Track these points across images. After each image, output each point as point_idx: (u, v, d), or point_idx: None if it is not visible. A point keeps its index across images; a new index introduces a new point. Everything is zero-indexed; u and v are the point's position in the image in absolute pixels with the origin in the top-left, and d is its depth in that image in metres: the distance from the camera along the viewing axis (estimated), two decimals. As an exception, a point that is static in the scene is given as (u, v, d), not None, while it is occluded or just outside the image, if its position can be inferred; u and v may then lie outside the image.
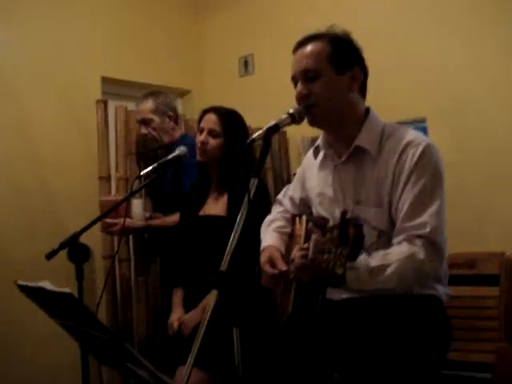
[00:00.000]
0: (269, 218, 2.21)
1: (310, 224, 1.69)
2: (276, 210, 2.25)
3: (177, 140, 3.23)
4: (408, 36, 3.57)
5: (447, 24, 3.41)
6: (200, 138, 2.63)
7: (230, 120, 2.66)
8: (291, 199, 2.21)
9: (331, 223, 1.36)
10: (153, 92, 3.36)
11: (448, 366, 2.69)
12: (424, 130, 3.36)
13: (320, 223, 1.48)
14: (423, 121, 3.44)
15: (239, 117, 2.72)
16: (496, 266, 2.95)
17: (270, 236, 2.08)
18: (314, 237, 1.36)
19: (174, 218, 2.91)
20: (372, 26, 3.59)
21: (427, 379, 1.80)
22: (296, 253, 1.71)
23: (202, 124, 2.67)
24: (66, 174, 3.59)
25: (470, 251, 3.09)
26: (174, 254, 2.86)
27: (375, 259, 1.69)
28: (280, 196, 2.30)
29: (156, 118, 3.23)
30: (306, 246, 1.68)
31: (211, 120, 2.64)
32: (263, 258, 1.91)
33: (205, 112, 2.70)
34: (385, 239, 1.77)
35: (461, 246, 3.02)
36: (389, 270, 1.67)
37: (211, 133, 2.62)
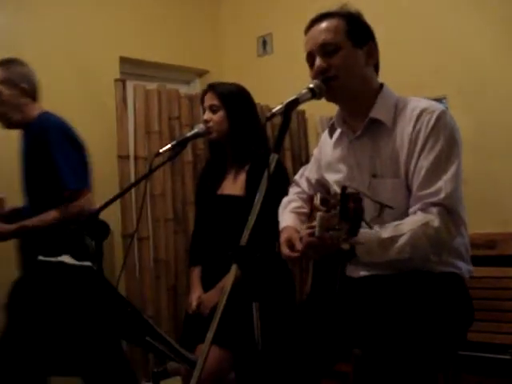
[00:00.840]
0: (286, 199, 2.21)
1: (317, 201, 1.67)
2: (293, 191, 2.25)
3: (34, 119, 2.77)
4: (432, 14, 3.51)
5: (472, 3, 3.35)
6: (204, 117, 2.64)
7: (229, 91, 2.65)
8: (307, 180, 2.21)
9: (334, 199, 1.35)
10: (7, 59, 2.80)
11: (469, 347, 2.70)
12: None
13: (326, 200, 1.46)
14: (444, 99, 3.39)
15: (240, 87, 2.71)
16: (517, 246, 2.92)
17: (287, 217, 2.07)
18: (319, 214, 1.35)
19: (54, 213, 2.56)
20: (394, 4, 3.55)
21: (447, 357, 1.79)
22: (303, 231, 1.70)
23: (204, 104, 2.69)
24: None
25: (491, 231, 3.07)
26: (193, 233, 2.87)
27: (387, 231, 1.68)
28: (297, 177, 2.30)
29: (5, 90, 2.73)
30: (313, 223, 1.68)
31: (209, 97, 2.65)
32: (282, 239, 1.90)
33: (204, 93, 2.72)
34: (388, 214, 1.74)
35: (481, 226, 3.00)
36: (401, 241, 1.66)
37: (211, 108, 2.63)
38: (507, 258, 2.94)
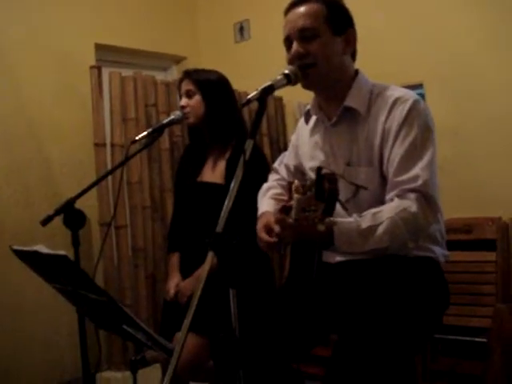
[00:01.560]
0: (265, 185, 2.21)
1: (294, 185, 1.67)
2: (272, 178, 2.25)
3: None
4: (411, 1, 3.52)
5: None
6: (180, 103, 2.64)
7: (203, 77, 2.65)
8: (286, 167, 2.21)
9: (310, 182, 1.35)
10: None
11: (447, 330, 2.74)
12: (421, 96, 3.33)
13: (303, 186, 1.46)
14: (420, 86, 3.41)
15: (216, 73, 2.71)
16: (493, 230, 2.96)
17: (266, 203, 2.07)
18: (295, 196, 1.35)
19: None
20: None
21: (423, 340, 1.81)
22: (278, 213, 1.70)
23: (180, 91, 2.69)
24: (62, 141, 3.58)
25: (467, 216, 3.10)
26: (172, 219, 2.86)
27: (366, 220, 1.68)
28: (276, 164, 2.30)
29: None
30: (290, 204, 1.67)
31: (185, 83, 2.66)
32: (260, 224, 1.90)
33: (180, 80, 2.72)
34: (364, 195, 1.75)
35: (458, 211, 3.04)
36: (380, 230, 1.66)
37: (188, 94, 2.63)
38: (483, 243, 2.97)
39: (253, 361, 1.75)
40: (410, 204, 1.67)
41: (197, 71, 2.68)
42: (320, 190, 1.28)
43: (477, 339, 2.78)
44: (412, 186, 1.69)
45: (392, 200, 1.72)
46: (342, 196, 1.37)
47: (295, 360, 1.92)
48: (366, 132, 1.81)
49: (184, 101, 2.62)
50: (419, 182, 1.69)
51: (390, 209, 1.69)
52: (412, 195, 1.69)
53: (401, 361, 1.72)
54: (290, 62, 1.82)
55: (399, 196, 1.71)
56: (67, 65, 3.67)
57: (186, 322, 1.38)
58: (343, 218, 1.66)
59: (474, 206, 3.22)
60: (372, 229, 1.66)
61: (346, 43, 1.84)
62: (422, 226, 1.71)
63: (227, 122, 2.60)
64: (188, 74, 2.66)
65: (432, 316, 1.83)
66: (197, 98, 2.60)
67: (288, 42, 1.85)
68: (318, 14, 1.79)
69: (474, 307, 2.87)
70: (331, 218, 1.29)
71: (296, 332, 1.85)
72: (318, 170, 1.31)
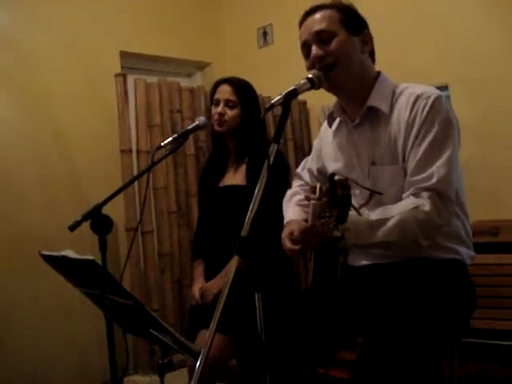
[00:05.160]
0: (289, 192, 2.21)
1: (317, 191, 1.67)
2: (296, 184, 2.25)
3: None
4: (434, 2, 3.50)
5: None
6: (217, 109, 2.63)
7: (245, 90, 2.66)
8: (310, 171, 2.21)
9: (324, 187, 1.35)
10: None
11: (473, 333, 2.70)
12: (447, 98, 3.31)
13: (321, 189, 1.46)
14: (445, 88, 3.38)
15: (252, 87, 2.72)
16: (521, 233, 2.92)
17: (292, 210, 2.07)
18: (311, 202, 1.35)
19: None
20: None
21: (449, 344, 1.79)
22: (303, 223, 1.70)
23: (217, 95, 2.67)
24: (88, 148, 3.63)
25: (494, 219, 3.07)
26: (196, 227, 2.88)
27: (376, 213, 1.68)
28: (299, 169, 2.30)
29: None
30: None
31: (226, 91, 2.64)
32: (285, 232, 1.90)
33: (218, 84, 2.70)
34: (378, 201, 1.73)
35: (484, 213, 3.00)
36: (389, 223, 1.66)
37: (227, 103, 2.63)
38: (510, 245, 2.93)
39: (279, 364, 1.75)
40: (424, 202, 1.67)
41: (239, 82, 2.68)
42: (333, 197, 1.29)
43: (504, 342, 2.74)
44: (426, 184, 1.69)
45: (407, 198, 1.72)
46: (358, 201, 1.36)
47: (321, 364, 1.92)
48: (389, 131, 1.81)
49: (223, 108, 2.62)
50: (433, 180, 1.68)
51: (402, 205, 1.69)
52: (426, 194, 1.68)
53: (428, 365, 1.71)
54: (311, 66, 1.83)
55: (414, 195, 1.71)
56: (93, 72, 3.72)
57: (213, 323, 1.40)
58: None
59: (501, 208, 3.19)
60: (381, 222, 1.66)
61: (363, 43, 1.86)
62: (436, 224, 1.69)
63: (254, 133, 2.61)
64: (232, 83, 2.65)
65: (459, 319, 1.81)
66: (236, 111, 2.61)
67: (305, 48, 1.86)
68: (333, 17, 1.82)
69: (500, 310, 2.84)
70: (346, 225, 1.30)
71: (321, 335, 1.85)
72: (331, 176, 1.31)
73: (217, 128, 2.65)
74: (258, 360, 1.49)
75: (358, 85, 1.87)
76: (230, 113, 2.62)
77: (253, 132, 2.62)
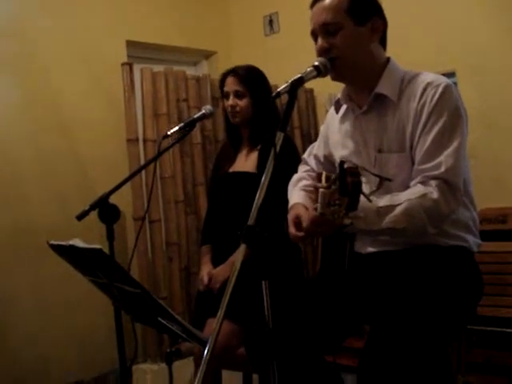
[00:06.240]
0: (295, 177, 2.21)
1: (323, 178, 1.66)
2: (302, 169, 2.25)
3: None
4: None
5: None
6: (229, 102, 2.65)
7: (252, 77, 2.67)
8: (316, 157, 2.21)
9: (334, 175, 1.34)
10: None
11: (480, 321, 2.70)
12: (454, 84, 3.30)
13: (329, 177, 1.45)
14: (453, 75, 3.36)
15: (259, 71, 2.72)
16: (529, 221, 2.91)
17: (297, 194, 2.07)
18: (320, 190, 1.35)
19: None
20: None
21: (456, 331, 1.80)
22: (311, 209, 1.69)
23: (226, 88, 2.69)
24: (94, 138, 3.63)
25: (503, 206, 3.06)
26: (206, 214, 2.89)
27: (384, 200, 1.67)
28: (305, 155, 2.29)
29: None
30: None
31: (234, 82, 2.66)
32: (290, 216, 1.90)
33: (225, 76, 2.72)
34: (396, 181, 1.74)
35: (493, 200, 2.99)
36: (397, 210, 1.64)
37: (237, 94, 2.64)
38: (519, 232, 2.93)
39: (286, 352, 1.76)
40: (432, 190, 1.66)
41: (246, 71, 2.68)
42: (343, 185, 1.28)
43: (509, 330, 2.74)
44: (434, 173, 1.69)
45: (415, 186, 1.72)
46: (367, 188, 1.36)
47: (328, 351, 1.92)
48: (397, 118, 1.81)
49: (234, 101, 2.63)
50: (442, 169, 1.68)
51: (411, 193, 1.69)
52: (434, 182, 1.68)
53: (435, 351, 1.71)
54: (318, 55, 1.82)
55: (422, 183, 1.70)
56: (99, 62, 3.72)
57: (222, 308, 1.40)
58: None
59: (509, 195, 3.18)
60: (389, 208, 1.65)
61: (372, 31, 1.83)
62: (443, 212, 1.69)
63: (268, 122, 2.61)
64: (236, 73, 2.66)
65: (465, 306, 1.82)
66: (246, 100, 2.63)
67: (313, 36, 1.86)
68: (339, 6, 1.79)
69: (508, 297, 2.83)
70: (355, 212, 1.30)
71: (329, 323, 1.85)
72: (341, 164, 1.31)
73: (232, 120, 2.66)
74: (266, 348, 1.49)
75: (365, 74, 1.86)
76: (240, 103, 2.63)
77: (266, 119, 2.62)
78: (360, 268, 1.90)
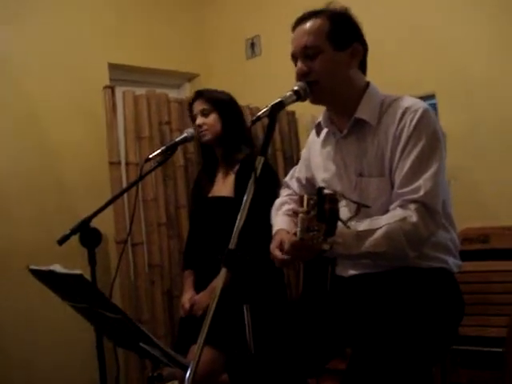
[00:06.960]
0: (278, 201, 2.21)
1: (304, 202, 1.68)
2: (284, 193, 2.26)
3: None
4: (419, 12, 3.51)
5: (460, 1, 3.35)
6: (196, 122, 2.70)
7: (216, 94, 2.75)
8: (298, 180, 2.22)
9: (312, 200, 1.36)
10: None
11: (464, 341, 2.71)
12: (433, 106, 3.33)
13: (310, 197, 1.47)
14: (432, 97, 3.40)
15: (225, 93, 2.79)
16: (510, 239, 2.93)
17: (280, 220, 2.07)
18: (300, 215, 1.36)
19: None
20: (380, 2, 3.56)
21: (438, 352, 1.80)
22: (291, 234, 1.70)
23: (194, 112, 2.76)
24: (76, 161, 3.62)
25: (484, 226, 3.08)
26: (187, 238, 2.89)
27: (363, 224, 1.69)
28: (287, 178, 2.31)
29: None
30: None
31: (199, 103, 2.73)
32: (275, 242, 1.90)
33: (191, 102, 2.79)
34: (375, 206, 1.76)
35: (474, 220, 3.02)
36: (377, 233, 1.66)
37: (203, 113, 2.70)
38: (501, 252, 2.94)
39: (269, 377, 1.75)
40: (411, 214, 1.68)
41: (208, 91, 2.76)
42: (321, 211, 1.30)
43: (494, 349, 2.75)
44: (413, 196, 1.70)
45: (394, 209, 1.73)
46: (346, 214, 1.37)
47: (311, 374, 1.92)
48: (376, 143, 1.82)
49: (201, 119, 2.67)
50: (421, 193, 1.69)
51: (390, 217, 1.70)
52: (413, 205, 1.69)
53: (417, 373, 1.71)
54: (297, 79, 1.84)
55: (401, 206, 1.72)
56: (81, 85, 3.71)
57: (202, 334, 1.39)
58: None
59: (491, 215, 3.20)
60: (369, 232, 1.67)
61: (352, 57, 1.85)
62: (423, 235, 1.70)
63: (240, 138, 2.64)
64: (201, 94, 2.73)
65: (447, 327, 1.83)
66: (213, 116, 2.67)
67: (294, 58, 1.88)
68: (320, 30, 1.81)
69: (491, 317, 2.85)
70: (333, 238, 1.31)
71: (311, 346, 1.85)
72: (319, 190, 1.32)
73: (202, 140, 2.69)
74: (249, 373, 1.49)
75: (343, 99, 1.88)
76: (207, 120, 2.68)
77: (237, 137, 2.66)
78: (342, 290, 1.90)
